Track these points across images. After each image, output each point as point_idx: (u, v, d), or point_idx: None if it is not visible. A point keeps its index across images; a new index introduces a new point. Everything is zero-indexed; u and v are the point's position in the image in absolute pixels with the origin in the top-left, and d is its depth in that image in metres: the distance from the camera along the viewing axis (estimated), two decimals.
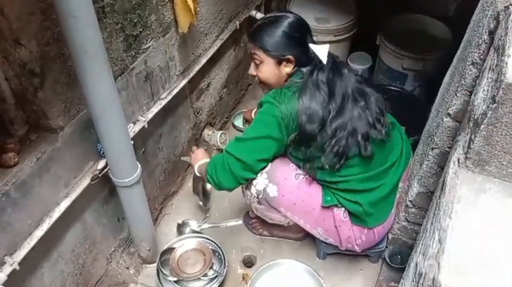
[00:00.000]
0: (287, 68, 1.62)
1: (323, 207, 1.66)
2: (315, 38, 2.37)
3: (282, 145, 1.60)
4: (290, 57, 1.59)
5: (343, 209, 1.67)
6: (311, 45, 1.61)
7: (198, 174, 1.82)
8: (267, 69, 1.63)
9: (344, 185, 1.63)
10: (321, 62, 1.58)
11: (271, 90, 1.61)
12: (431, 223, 1.12)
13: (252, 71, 1.69)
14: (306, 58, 1.60)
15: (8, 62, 1.18)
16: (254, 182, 1.69)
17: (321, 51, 1.60)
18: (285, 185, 1.66)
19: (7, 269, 1.27)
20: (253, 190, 1.71)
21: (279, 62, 1.61)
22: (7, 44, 1.14)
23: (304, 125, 1.52)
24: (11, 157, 1.25)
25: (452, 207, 0.96)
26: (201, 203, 2.11)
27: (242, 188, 1.79)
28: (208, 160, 1.77)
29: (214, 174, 1.63)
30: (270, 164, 1.66)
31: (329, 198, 1.65)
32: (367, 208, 1.65)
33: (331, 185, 1.65)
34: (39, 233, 1.35)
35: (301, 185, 1.66)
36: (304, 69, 1.60)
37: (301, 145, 1.59)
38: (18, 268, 1.29)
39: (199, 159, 1.83)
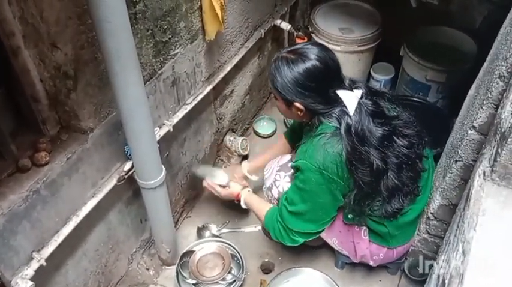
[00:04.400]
0: (298, 112, 1.51)
1: (343, 222, 1.65)
2: (338, 48, 2.36)
3: (342, 199, 1.54)
4: (298, 105, 1.47)
5: (364, 227, 1.66)
6: (338, 92, 1.46)
7: (244, 206, 1.81)
8: (280, 106, 1.57)
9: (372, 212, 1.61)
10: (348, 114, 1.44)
11: (304, 146, 1.51)
12: (455, 235, 1.12)
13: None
14: (325, 108, 1.47)
15: (44, 65, 1.23)
16: (277, 183, 1.70)
17: (350, 101, 1.45)
18: None
19: (34, 265, 1.31)
20: (274, 191, 1.71)
21: (288, 105, 1.52)
22: (44, 47, 1.18)
23: (358, 189, 1.48)
24: (43, 156, 1.29)
25: (477, 219, 0.96)
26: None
27: (264, 187, 1.81)
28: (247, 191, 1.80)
29: (280, 240, 1.63)
30: None
31: (351, 216, 1.61)
32: (392, 230, 1.64)
33: None
34: (65, 230, 1.39)
35: None
36: (333, 122, 1.46)
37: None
38: (45, 264, 1.33)
39: (238, 190, 1.81)
